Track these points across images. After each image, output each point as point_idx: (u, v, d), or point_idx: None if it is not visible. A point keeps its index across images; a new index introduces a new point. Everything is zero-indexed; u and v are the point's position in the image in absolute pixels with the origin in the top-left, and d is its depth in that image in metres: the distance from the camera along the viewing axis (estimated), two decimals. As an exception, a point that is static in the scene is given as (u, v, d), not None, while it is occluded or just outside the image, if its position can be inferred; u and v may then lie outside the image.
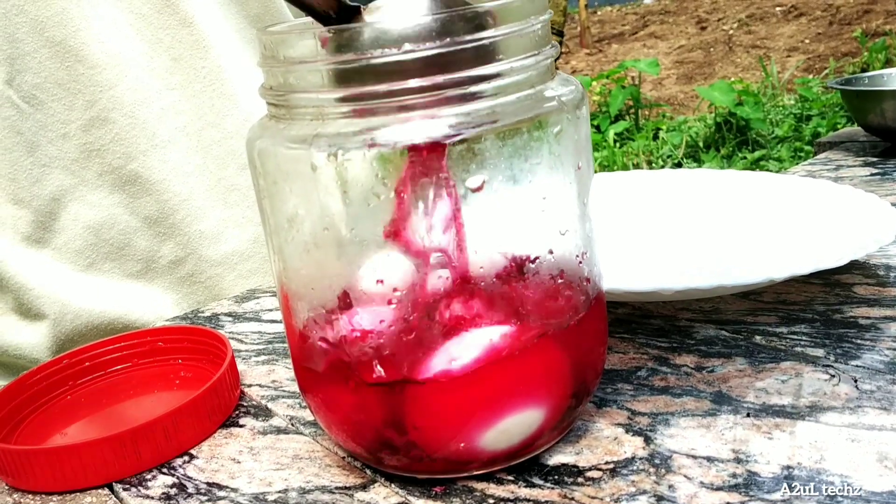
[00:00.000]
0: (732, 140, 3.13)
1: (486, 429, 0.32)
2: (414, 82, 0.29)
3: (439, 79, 0.29)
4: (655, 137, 3.40)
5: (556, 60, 0.34)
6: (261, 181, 0.33)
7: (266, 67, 0.32)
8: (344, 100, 0.30)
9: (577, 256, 0.34)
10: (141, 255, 0.62)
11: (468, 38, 0.29)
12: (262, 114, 0.34)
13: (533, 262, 0.32)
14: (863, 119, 0.88)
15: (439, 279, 0.31)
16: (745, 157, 2.96)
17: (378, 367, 0.32)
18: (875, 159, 0.83)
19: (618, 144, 3.33)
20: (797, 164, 2.75)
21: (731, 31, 5.21)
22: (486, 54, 0.30)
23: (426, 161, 0.30)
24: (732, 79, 3.96)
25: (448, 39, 0.29)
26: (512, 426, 0.33)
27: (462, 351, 0.32)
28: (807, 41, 4.73)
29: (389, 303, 0.31)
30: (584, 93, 0.34)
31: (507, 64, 0.30)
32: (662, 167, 3.04)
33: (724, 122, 3.20)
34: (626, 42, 5.68)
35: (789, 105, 3.47)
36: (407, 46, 0.29)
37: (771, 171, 2.76)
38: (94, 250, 0.61)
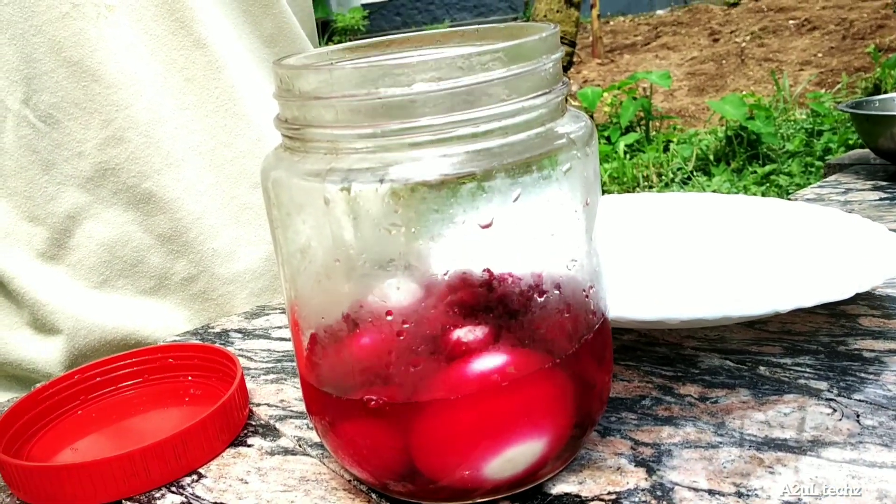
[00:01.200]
0: (743, 154, 3.12)
1: (490, 457, 0.33)
2: (426, 120, 0.30)
3: (451, 117, 0.30)
4: (666, 150, 3.40)
5: (566, 98, 0.34)
6: (274, 211, 0.34)
7: (281, 101, 0.33)
8: (357, 136, 0.30)
9: (584, 290, 0.34)
10: (154, 272, 0.63)
11: (481, 77, 0.30)
12: (273, 134, 0.35)
13: (541, 295, 0.33)
14: (873, 143, 0.88)
15: (447, 310, 0.32)
16: (755, 172, 2.95)
17: (381, 394, 0.32)
18: (885, 183, 0.83)
19: (628, 156, 3.33)
20: (807, 179, 2.75)
21: (743, 44, 5.21)
22: (497, 93, 0.30)
23: (436, 197, 0.30)
24: (744, 92, 3.96)
25: (461, 78, 0.30)
26: (516, 455, 0.33)
27: (466, 379, 0.32)
28: (820, 55, 4.72)
29: (398, 334, 0.32)
30: (594, 128, 0.35)
31: (518, 103, 0.31)
32: (672, 180, 3.04)
33: (735, 135, 3.20)
34: (638, 53, 5.68)
35: (801, 120, 3.46)
36: (419, 86, 0.29)
37: (781, 185, 2.76)
38: (107, 267, 0.62)
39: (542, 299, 0.33)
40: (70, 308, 0.60)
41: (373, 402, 0.32)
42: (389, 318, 0.32)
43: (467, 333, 0.32)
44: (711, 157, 3.18)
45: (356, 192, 0.30)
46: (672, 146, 3.36)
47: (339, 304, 0.33)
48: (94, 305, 0.61)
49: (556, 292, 0.33)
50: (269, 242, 0.65)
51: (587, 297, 0.34)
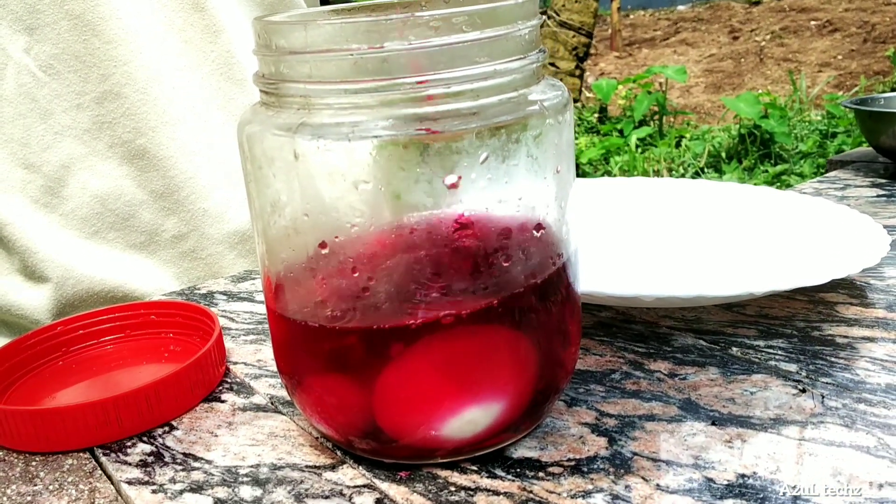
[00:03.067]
0: (755, 153, 3.11)
1: (448, 416, 0.33)
2: (398, 79, 0.30)
3: (423, 77, 0.30)
4: (678, 145, 3.39)
5: (543, 65, 0.34)
6: (248, 165, 0.34)
7: (259, 56, 0.33)
8: (329, 92, 0.31)
9: (552, 258, 0.35)
10: (145, 227, 0.64)
11: (453, 38, 0.30)
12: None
13: (507, 260, 0.33)
14: (875, 140, 0.87)
15: (411, 267, 0.32)
16: (766, 171, 2.94)
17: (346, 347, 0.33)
18: (884, 181, 0.83)
19: (639, 150, 3.32)
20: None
21: (763, 43, 5.17)
22: (470, 55, 0.31)
23: (404, 155, 0.31)
24: (761, 91, 3.94)
25: (434, 38, 0.30)
26: (475, 415, 0.34)
27: (425, 335, 0.32)
28: (839, 57, 4.69)
29: (363, 290, 0.32)
30: (569, 98, 0.35)
31: (490, 66, 0.31)
32: (683, 175, 3.03)
33: (749, 133, 3.18)
34: (657, 47, 5.65)
35: (815, 121, 3.44)
36: (391, 44, 0.30)
37: (791, 185, 2.74)
38: (99, 219, 0.62)
39: (508, 263, 0.33)
40: (60, 257, 0.61)
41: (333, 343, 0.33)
42: (355, 274, 0.33)
43: (430, 291, 0.33)
44: (723, 155, 3.16)
45: (326, 147, 0.31)
46: (684, 142, 3.35)
47: (306, 258, 0.33)
48: (83, 256, 0.62)
49: (522, 256, 0.33)
50: None
51: (554, 264, 0.35)
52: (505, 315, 0.33)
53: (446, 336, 0.33)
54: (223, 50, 0.65)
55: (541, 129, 0.33)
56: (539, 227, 0.34)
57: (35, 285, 0.62)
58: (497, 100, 0.32)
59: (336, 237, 0.32)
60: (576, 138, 3.53)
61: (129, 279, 0.63)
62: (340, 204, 0.31)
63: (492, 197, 0.32)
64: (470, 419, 0.34)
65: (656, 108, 3.72)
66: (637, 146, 3.35)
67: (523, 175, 0.33)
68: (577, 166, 3.23)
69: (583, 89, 4.21)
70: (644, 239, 0.60)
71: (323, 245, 0.32)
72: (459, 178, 0.31)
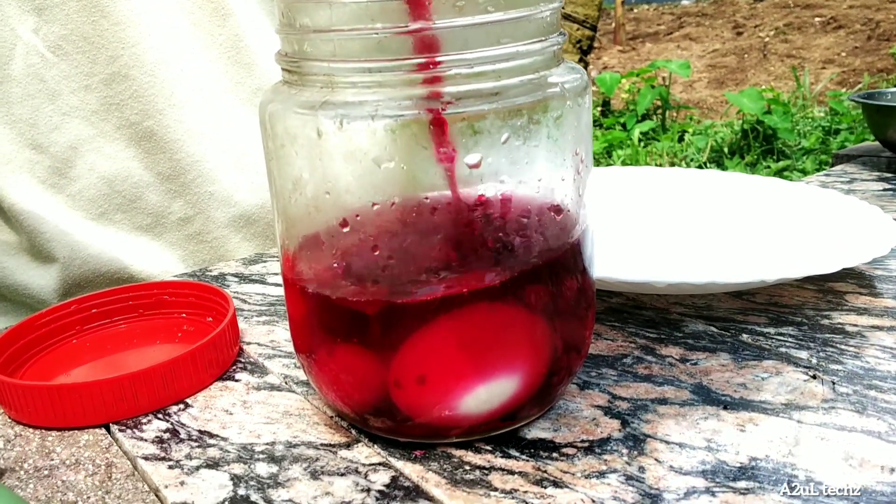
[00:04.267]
0: (758, 148, 3.11)
1: (463, 393, 0.34)
2: (421, 58, 0.30)
3: (445, 56, 0.30)
4: (681, 139, 3.39)
5: (565, 48, 0.35)
6: (269, 143, 0.34)
7: (282, 34, 0.34)
8: (353, 70, 0.31)
9: (568, 241, 0.35)
10: (151, 209, 0.64)
11: (477, 19, 0.30)
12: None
13: (525, 238, 0.34)
14: (882, 134, 0.88)
15: (432, 247, 0.33)
16: (768, 167, 2.94)
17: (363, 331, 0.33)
18: (890, 175, 0.83)
19: (642, 144, 3.32)
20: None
21: (767, 39, 5.16)
22: (492, 36, 0.31)
23: (427, 135, 0.31)
24: (764, 87, 3.93)
25: (458, 19, 0.30)
26: (489, 393, 0.34)
27: (442, 312, 0.33)
28: (843, 54, 4.68)
29: (383, 269, 0.33)
30: (588, 82, 0.35)
31: (512, 47, 0.31)
32: (685, 170, 3.03)
33: (752, 129, 3.18)
34: (661, 42, 5.64)
35: (819, 117, 3.44)
36: (415, 24, 0.30)
37: (794, 181, 2.74)
38: (106, 200, 0.63)
39: (526, 243, 0.33)
40: (67, 237, 0.61)
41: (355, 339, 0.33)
42: (376, 252, 0.33)
43: (449, 269, 0.33)
44: (726, 150, 3.16)
45: (348, 125, 0.31)
46: (687, 136, 3.34)
47: (327, 236, 0.34)
48: (90, 237, 0.62)
49: (540, 237, 0.34)
50: (266, 190, 0.66)
51: (571, 247, 0.35)
52: (521, 294, 0.33)
53: (462, 313, 0.33)
54: (231, 33, 0.65)
55: (561, 110, 0.33)
56: (557, 209, 0.34)
57: (42, 265, 0.62)
58: (518, 81, 0.32)
59: (357, 215, 0.32)
60: (578, 131, 3.53)
61: (135, 261, 0.63)
62: (362, 182, 0.32)
63: (512, 178, 0.33)
64: (485, 397, 0.34)
65: (659, 103, 3.71)
66: (640, 140, 3.35)
67: (543, 156, 0.33)
68: (580, 159, 3.22)
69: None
70: (655, 227, 0.61)
71: (344, 223, 0.33)
72: (481, 158, 0.31)
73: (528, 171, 0.33)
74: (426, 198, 0.32)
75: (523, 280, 0.33)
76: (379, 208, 0.32)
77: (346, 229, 0.33)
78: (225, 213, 0.66)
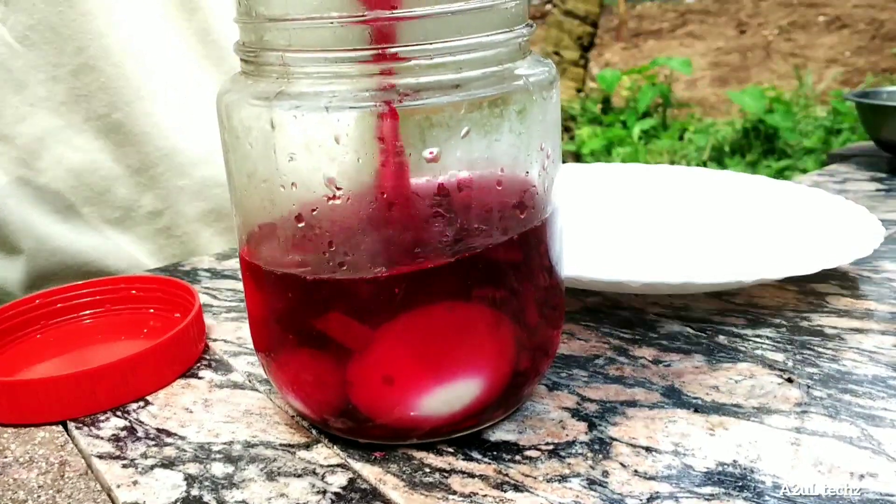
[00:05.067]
0: (759, 147, 3.09)
1: (423, 394, 0.33)
2: (378, 48, 0.29)
3: (404, 47, 0.29)
4: (681, 138, 3.37)
5: (528, 41, 0.34)
6: (226, 135, 0.33)
7: (240, 24, 0.33)
8: (308, 61, 0.30)
9: (534, 238, 0.34)
10: (120, 202, 0.63)
11: (437, 8, 0.29)
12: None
13: (486, 237, 0.33)
14: (876, 134, 0.87)
15: (389, 242, 0.32)
16: (769, 166, 2.92)
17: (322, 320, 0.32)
18: (883, 175, 0.82)
19: (643, 141, 3.31)
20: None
21: (770, 38, 5.14)
22: (453, 26, 0.30)
23: (383, 127, 0.30)
24: (767, 85, 3.91)
25: (417, 8, 0.29)
26: (450, 394, 0.33)
27: (400, 309, 0.32)
28: (847, 53, 4.66)
29: (340, 265, 0.32)
30: (556, 76, 0.34)
31: (474, 38, 0.30)
32: (685, 168, 3.01)
33: (753, 128, 3.17)
34: (663, 39, 5.62)
35: (821, 117, 3.42)
36: (372, 14, 0.29)
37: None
38: (74, 193, 0.62)
39: (487, 241, 0.32)
40: (33, 230, 0.60)
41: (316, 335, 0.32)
42: (332, 248, 0.32)
43: (407, 266, 0.32)
44: (727, 149, 3.14)
45: (303, 117, 0.30)
46: (688, 134, 3.33)
47: (282, 232, 0.33)
48: (58, 230, 0.61)
49: (502, 234, 0.33)
50: None
51: (536, 245, 0.34)
52: (483, 293, 0.32)
53: (421, 312, 0.32)
54: (200, 27, 0.64)
55: (525, 104, 0.32)
56: (521, 205, 0.33)
57: (7, 257, 0.61)
58: (480, 73, 0.31)
59: (312, 210, 0.31)
60: (578, 128, 3.52)
61: (103, 254, 0.62)
62: (317, 176, 0.31)
63: (472, 172, 0.32)
64: (447, 399, 0.33)
65: (660, 100, 3.70)
66: (640, 138, 3.33)
67: (505, 151, 0.32)
68: (579, 156, 3.22)
69: (587, 79, 4.19)
70: (636, 225, 0.60)
71: (299, 218, 0.32)
72: (439, 151, 0.30)
73: (489, 165, 0.32)
74: (383, 192, 0.31)
75: (484, 278, 0.32)
76: (335, 203, 0.31)
77: (301, 224, 0.32)
78: (196, 208, 0.65)
